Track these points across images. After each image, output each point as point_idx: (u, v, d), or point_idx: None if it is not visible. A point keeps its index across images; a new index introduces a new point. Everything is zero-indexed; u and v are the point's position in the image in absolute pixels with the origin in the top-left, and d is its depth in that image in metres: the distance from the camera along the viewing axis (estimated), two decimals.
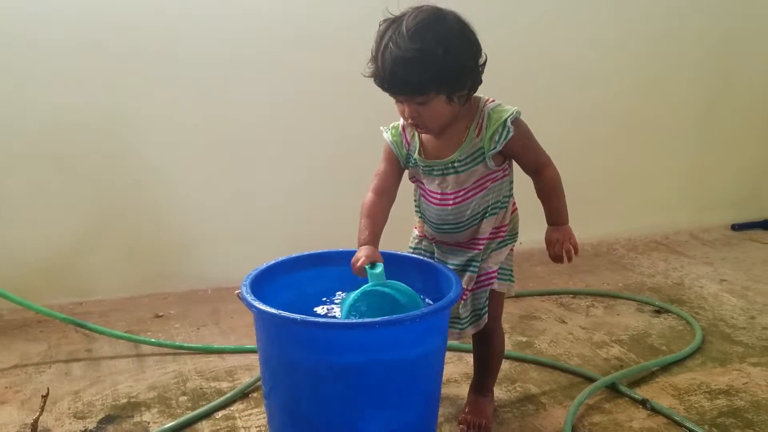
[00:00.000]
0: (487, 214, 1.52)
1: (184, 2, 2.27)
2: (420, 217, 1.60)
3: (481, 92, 1.47)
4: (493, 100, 1.48)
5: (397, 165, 1.55)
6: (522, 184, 1.57)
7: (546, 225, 1.55)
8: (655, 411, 1.68)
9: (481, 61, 1.41)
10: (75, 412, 1.70)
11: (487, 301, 1.56)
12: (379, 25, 1.39)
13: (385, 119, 1.57)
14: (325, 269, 1.57)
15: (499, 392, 1.76)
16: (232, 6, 2.32)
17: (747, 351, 2.01)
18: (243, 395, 1.77)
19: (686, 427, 1.62)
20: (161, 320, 2.24)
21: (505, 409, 1.71)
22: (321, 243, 1.67)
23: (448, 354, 1.64)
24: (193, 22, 2.29)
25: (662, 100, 3.00)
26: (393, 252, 1.54)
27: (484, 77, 1.43)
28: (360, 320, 1.34)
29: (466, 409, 1.64)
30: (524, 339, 2.09)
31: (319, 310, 1.52)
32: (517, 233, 1.60)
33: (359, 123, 2.21)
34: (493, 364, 1.67)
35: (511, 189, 1.55)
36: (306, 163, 2.51)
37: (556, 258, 1.53)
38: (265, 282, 1.46)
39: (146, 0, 2.23)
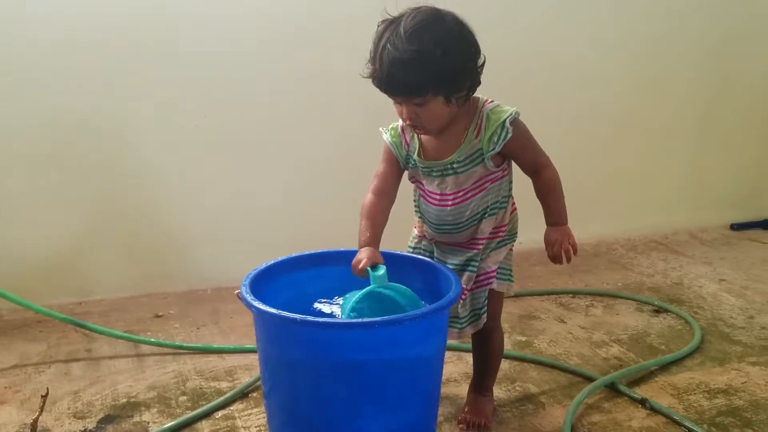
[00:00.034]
0: (487, 215, 1.52)
1: (184, 2, 2.27)
2: (419, 218, 1.60)
3: (480, 92, 1.47)
4: (492, 101, 1.48)
5: (396, 166, 1.55)
6: (521, 184, 1.57)
7: (545, 225, 1.55)
8: (654, 410, 1.68)
9: (480, 61, 1.41)
10: (74, 412, 1.70)
11: (486, 301, 1.56)
12: (378, 26, 1.38)
13: (385, 120, 1.57)
14: (325, 269, 1.57)
15: (499, 392, 1.76)
16: (232, 6, 2.32)
17: (746, 350, 2.01)
18: (243, 395, 1.77)
19: (685, 427, 1.62)
20: (161, 320, 2.24)
21: (504, 408, 1.71)
22: (321, 243, 1.67)
23: (447, 353, 1.64)
24: (193, 21, 2.29)
25: (662, 100, 3.00)
26: (392, 252, 1.54)
27: (483, 77, 1.43)
28: (359, 320, 1.34)
29: (466, 409, 1.65)
30: (524, 338, 2.09)
31: (322, 307, 1.52)
32: (516, 233, 1.60)
33: (359, 123, 2.22)
34: (492, 364, 1.67)
35: (511, 189, 1.55)
36: (306, 163, 2.51)
37: (556, 258, 1.53)
38: (265, 282, 1.46)
39: (146, 0, 2.23)
